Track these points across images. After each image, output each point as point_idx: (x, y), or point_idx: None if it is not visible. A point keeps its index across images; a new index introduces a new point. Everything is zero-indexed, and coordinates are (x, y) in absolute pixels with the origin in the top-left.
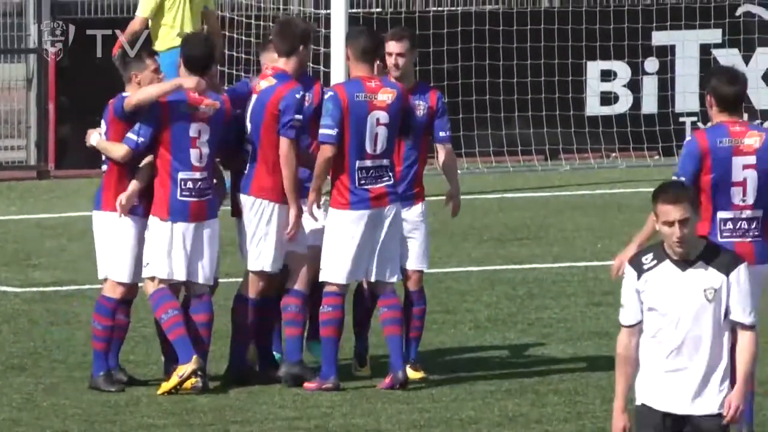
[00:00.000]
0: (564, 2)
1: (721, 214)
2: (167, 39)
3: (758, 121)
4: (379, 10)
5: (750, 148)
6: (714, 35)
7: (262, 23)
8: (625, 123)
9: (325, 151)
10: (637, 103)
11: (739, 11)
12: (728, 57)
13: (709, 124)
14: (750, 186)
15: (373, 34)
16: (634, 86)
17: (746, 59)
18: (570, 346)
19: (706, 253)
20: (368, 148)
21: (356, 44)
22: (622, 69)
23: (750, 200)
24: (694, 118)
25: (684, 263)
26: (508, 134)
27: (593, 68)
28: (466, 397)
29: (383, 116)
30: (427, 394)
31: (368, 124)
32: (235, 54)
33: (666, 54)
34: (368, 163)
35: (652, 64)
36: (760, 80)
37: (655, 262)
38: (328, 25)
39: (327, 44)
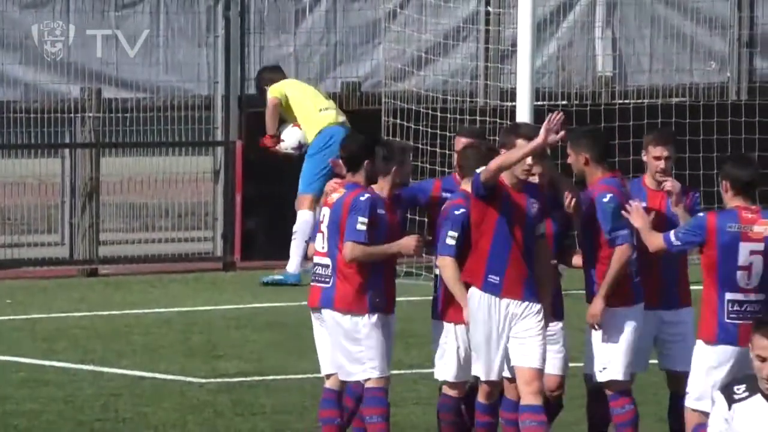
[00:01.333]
0: (752, 95)
1: (729, 296)
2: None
3: None
4: (564, 102)
5: (759, 235)
6: None
7: (449, 115)
8: None
9: (626, 253)
10: None
11: None
12: None
13: None
14: (755, 270)
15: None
16: None
17: None
18: None
19: None
20: None
21: (599, 145)
22: None
23: (754, 283)
24: None
25: None
26: None
27: None
28: None
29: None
30: None
31: None
32: (420, 146)
33: None
34: None
35: None
36: None
37: (746, 394)
38: (513, 118)
39: None
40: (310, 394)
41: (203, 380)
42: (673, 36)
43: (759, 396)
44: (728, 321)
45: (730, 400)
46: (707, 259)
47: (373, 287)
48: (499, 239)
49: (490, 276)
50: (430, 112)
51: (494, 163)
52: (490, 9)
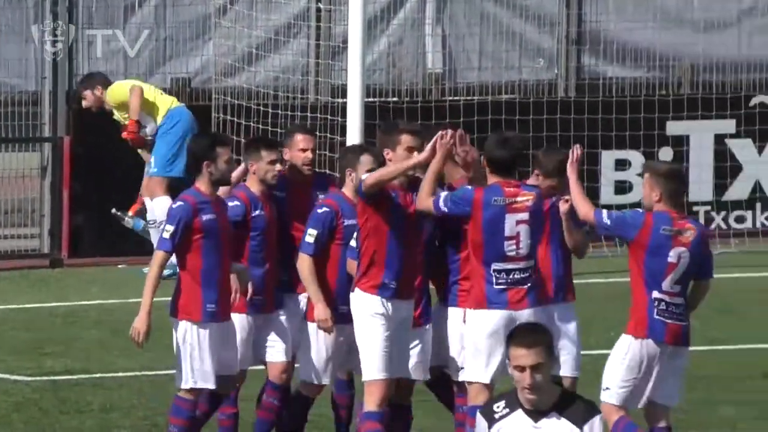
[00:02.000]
0: (580, 92)
1: (496, 266)
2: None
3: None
4: (395, 99)
5: (523, 205)
6: (728, 126)
7: (280, 112)
8: None
9: None
10: None
11: (753, 102)
12: (742, 147)
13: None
14: (523, 239)
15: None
16: None
17: (760, 150)
18: None
19: (561, 402)
20: None
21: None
22: (636, 158)
23: (523, 252)
24: (708, 207)
25: (537, 413)
26: None
27: (608, 157)
28: None
29: None
30: None
31: None
32: None
33: (681, 144)
34: None
35: (666, 153)
36: None
37: (507, 410)
38: (344, 114)
39: (343, 134)
40: (137, 391)
41: (29, 378)
42: (502, 33)
43: (520, 411)
44: (497, 287)
45: (491, 420)
46: (473, 232)
47: (194, 294)
48: (393, 243)
49: (386, 281)
50: (261, 108)
51: (374, 176)
52: (320, 6)
